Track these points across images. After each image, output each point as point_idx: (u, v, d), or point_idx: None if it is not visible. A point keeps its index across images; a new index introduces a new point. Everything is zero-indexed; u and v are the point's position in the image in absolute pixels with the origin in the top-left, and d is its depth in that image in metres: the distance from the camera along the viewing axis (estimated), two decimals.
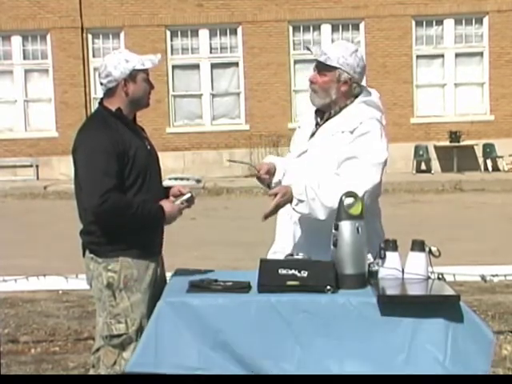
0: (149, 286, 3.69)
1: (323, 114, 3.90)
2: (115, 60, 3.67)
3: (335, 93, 3.83)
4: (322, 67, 3.81)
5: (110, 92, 3.70)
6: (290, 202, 3.69)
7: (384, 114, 3.91)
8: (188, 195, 3.78)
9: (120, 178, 3.57)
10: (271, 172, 3.95)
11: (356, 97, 3.87)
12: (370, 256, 3.62)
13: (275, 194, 3.68)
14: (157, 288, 3.71)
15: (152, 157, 3.79)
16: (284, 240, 3.91)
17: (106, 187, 3.50)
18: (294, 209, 3.71)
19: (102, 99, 3.76)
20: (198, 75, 21.19)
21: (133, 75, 3.67)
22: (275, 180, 3.96)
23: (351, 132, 3.75)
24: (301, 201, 3.67)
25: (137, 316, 3.63)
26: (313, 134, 3.90)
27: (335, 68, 3.79)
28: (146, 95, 3.75)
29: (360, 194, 3.57)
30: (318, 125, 3.91)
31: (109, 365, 3.65)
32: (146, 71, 3.72)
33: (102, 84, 3.71)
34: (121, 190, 3.57)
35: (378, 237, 3.77)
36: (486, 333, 3.33)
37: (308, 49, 3.91)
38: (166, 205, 3.70)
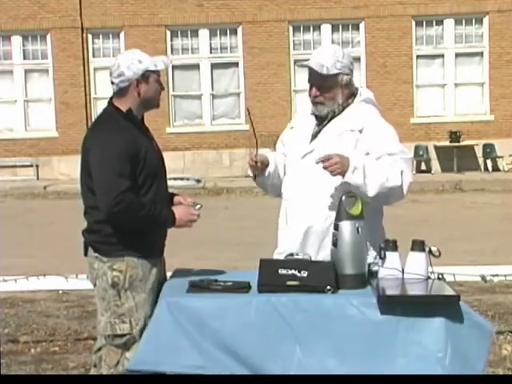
0: (153, 286, 3.69)
1: (324, 116, 3.90)
2: (128, 60, 3.67)
3: (341, 97, 3.87)
4: (324, 79, 3.80)
5: (121, 92, 3.70)
6: (344, 172, 3.61)
7: (379, 111, 3.99)
8: (198, 206, 3.78)
9: (133, 180, 3.58)
10: (265, 163, 3.95)
11: (353, 94, 3.91)
12: (374, 253, 3.66)
13: (328, 161, 3.62)
14: (159, 288, 3.72)
15: (159, 158, 3.81)
16: (287, 244, 3.90)
17: (120, 188, 3.51)
18: (348, 177, 3.62)
19: (111, 98, 3.76)
20: (198, 75, 21.18)
21: (145, 76, 3.67)
22: (266, 173, 3.97)
23: (360, 131, 3.80)
24: (357, 168, 3.62)
25: (141, 316, 3.63)
26: (315, 135, 3.90)
27: (337, 75, 3.80)
28: (157, 96, 3.76)
29: (405, 181, 3.69)
30: (320, 125, 3.91)
31: (112, 365, 3.65)
32: (157, 72, 3.72)
33: (113, 83, 3.70)
34: (134, 192, 3.58)
35: (381, 236, 3.81)
36: (486, 331, 3.34)
37: (305, 66, 3.83)
38: (178, 209, 3.70)
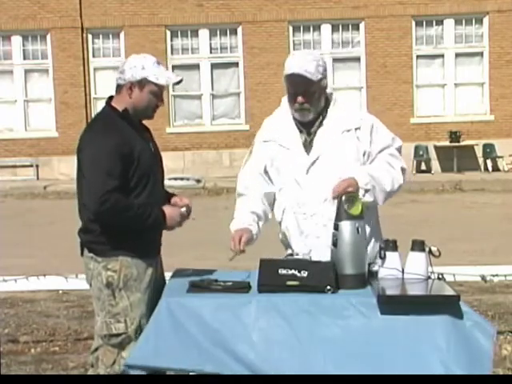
0: (148, 286, 3.69)
1: (308, 122, 3.88)
2: (134, 62, 3.69)
3: (323, 100, 3.88)
4: (311, 84, 3.77)
5: (118, 89, 3.73)
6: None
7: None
8: (183, 209, 3.77)
9: (123, 180, 3.57)
10: (249, 239, 3.84)
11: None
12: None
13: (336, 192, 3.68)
14: (156, 288, 3.72)
15: (156, 159, 3.80)
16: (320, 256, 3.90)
17: (107, 188, 3.51)
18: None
19: (109, 98, 3.78)
20: (198, 75, 21.18)
21: (142, 83, 3.67)
22: (253, 240, 3.88)
23: (356, 129, 3.85)
24: (367, 190, 3.76)
25: (136, 315, 3.64)
26: (309, 143, 3.88)
27: (321, 79, 3.80)
28: (149, 107, 3.73)
29: (405, 176, 3.91)
30: (308, 132, 3.88)
31: (108, 364, 3.65)
32: (158, 85, 3.69)
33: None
34: (123, 192, 3.57)
35: (378, 230, 3.92)
36: (488, 331, 3.34)
37: (293, 75, 3.76)
38: (168, 210, 3.70)
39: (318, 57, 3.84)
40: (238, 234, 3.82)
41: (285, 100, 3.94)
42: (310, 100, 3.80)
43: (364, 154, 3.86)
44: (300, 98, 3.80)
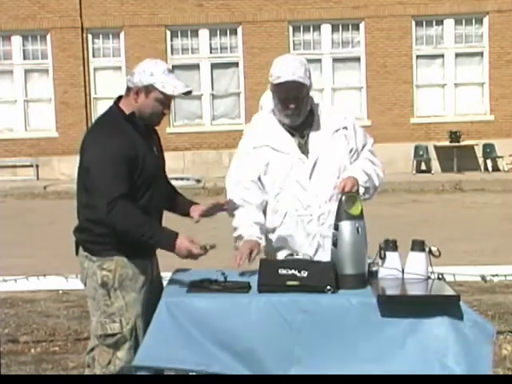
0: (143, 286, 3.69)
1: (298, 125, 3.89)
2: (144, 67, 3.66)
3: (309, 103, 3.90)
4: (302, 89, 3.79)
5: (127, 91, 3.71)
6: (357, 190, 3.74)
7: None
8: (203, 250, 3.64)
9: (129, 184, 3.55)
10: (258, 253, 3.76)
11: None
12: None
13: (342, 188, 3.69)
14: (152, 288, 3.72)
15: (159, 163, 3.78)
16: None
17: (113, 195, 3.48)
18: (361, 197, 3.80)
19: (118, 98, 3.76)
20: (198, 75, 21.18)
21: (148, 89, 3.64)
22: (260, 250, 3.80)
23: (343, 128, 3.93)
24: (367, 188, 3.87)
25: (131, 315, 3.63)
26: (304, 145, 3.89)
27: (310, 84, 3.83)
28: (154, 114, 3.70)
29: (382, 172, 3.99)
30: (302, 135, 3.90)
31: (104, 364, 3.65)
32: (164, 94, 3.65)
33: None
34: (129, 196, 3.54)
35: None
36: (487, 332, 3.34)
37: (294, 82, 3.75)
38: (184, 243, 3.58)
39: (303, 60, 3.85)
40: (247, 247, 3.72)
41: (265, 105, 3.95)
42: (300, 105, 3.82)
43: (351, 152, 3.94)
44: (292, 105, 3.81)
